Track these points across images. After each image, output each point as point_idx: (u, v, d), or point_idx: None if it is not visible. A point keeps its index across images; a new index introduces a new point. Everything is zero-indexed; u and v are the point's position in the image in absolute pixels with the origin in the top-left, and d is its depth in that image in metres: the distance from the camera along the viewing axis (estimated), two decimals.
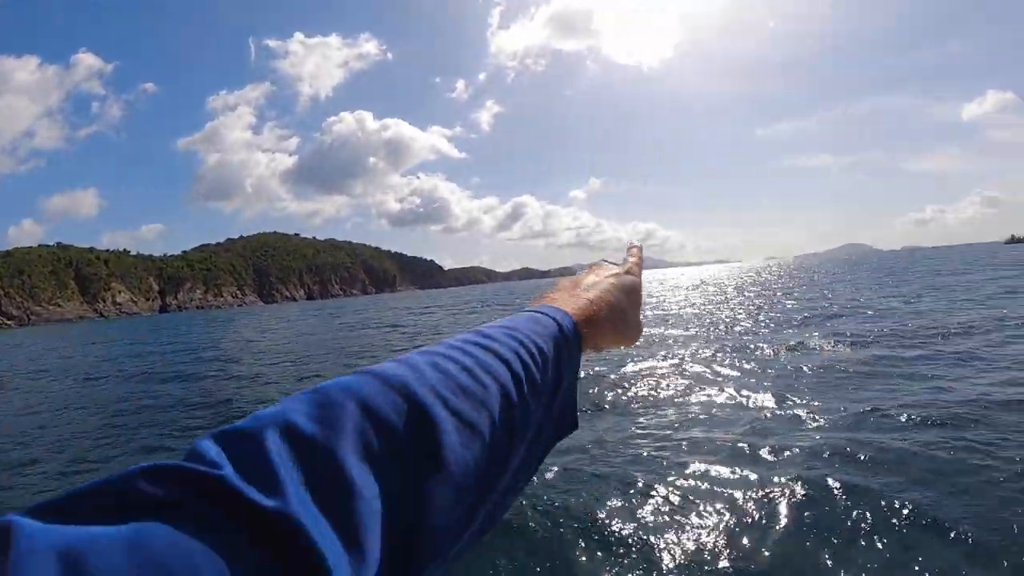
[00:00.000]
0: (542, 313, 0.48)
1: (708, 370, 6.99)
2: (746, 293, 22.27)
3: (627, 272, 0.59)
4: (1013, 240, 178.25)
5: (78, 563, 0.20)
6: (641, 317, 0.59)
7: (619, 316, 0.54)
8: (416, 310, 31.96)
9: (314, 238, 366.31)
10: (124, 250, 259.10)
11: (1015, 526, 2.79)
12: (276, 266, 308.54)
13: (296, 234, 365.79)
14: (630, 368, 7.31)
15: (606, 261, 0.62)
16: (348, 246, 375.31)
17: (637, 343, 0.59)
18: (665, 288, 34.20)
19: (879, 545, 2.78)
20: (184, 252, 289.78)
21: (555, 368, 0.44)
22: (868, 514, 3.01)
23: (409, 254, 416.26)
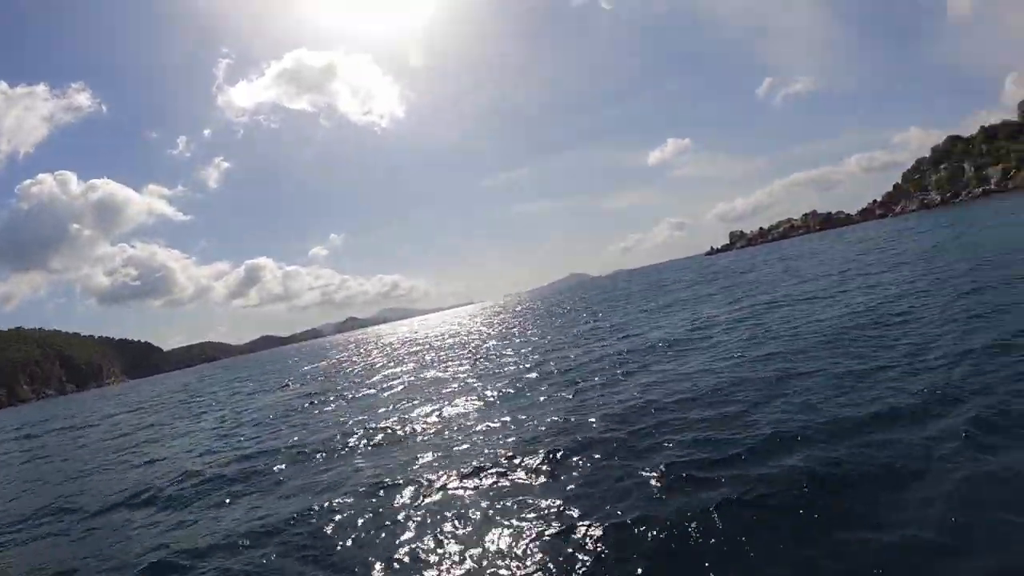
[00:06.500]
0: None
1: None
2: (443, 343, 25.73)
3: None
4: (712, 252, 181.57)
5: None
6: None
7: None
8: None
9: None
10: None
11: None
12: None
13: None
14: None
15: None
16: (39, 335, 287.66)
17: None
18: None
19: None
20: None
21: None
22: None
23: (126, 336, 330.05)
